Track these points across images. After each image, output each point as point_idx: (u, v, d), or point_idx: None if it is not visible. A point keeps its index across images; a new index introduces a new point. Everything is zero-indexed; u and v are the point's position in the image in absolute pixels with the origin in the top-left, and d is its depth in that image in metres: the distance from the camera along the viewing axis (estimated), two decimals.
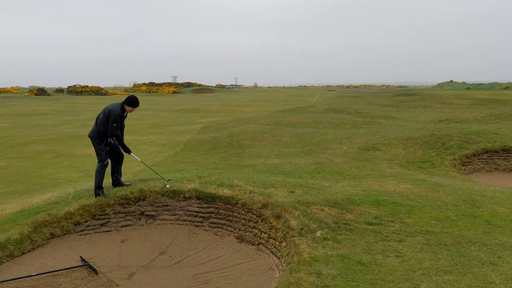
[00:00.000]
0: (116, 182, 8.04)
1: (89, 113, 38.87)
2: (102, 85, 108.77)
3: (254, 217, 6.80)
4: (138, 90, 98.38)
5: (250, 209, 6.91)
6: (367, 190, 8.41)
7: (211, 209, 7.35)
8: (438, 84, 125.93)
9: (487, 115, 24.80)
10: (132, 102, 7.67)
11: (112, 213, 7.42)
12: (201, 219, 7.33)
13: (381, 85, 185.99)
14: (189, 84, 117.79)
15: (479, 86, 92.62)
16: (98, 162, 7.65)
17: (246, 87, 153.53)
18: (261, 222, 6.64)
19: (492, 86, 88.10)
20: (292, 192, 7.71)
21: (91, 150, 16.94)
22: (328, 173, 11.23)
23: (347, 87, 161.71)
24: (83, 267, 6.06)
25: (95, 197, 7.51)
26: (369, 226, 6.13)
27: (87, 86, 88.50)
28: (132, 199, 7.59)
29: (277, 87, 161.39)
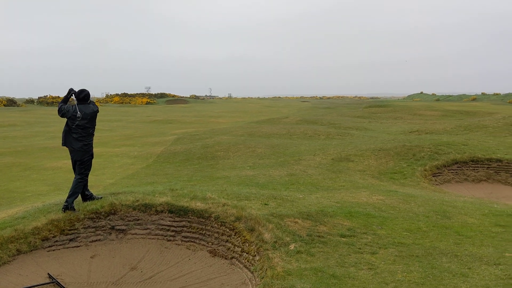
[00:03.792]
0: (88, 197, 7.82)
1: (60, 124, 38.02)
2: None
3: (227, 230, 6.72)
4: (111, 101, 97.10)
5: (223, 222, 6.83)
6: (340, 201, 8.44)
7: (184, 223, 7.24)
8: (409, 96, 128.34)
9: (456, 126, 25.38)
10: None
11: (82, 228, 7.21)
12: (173, 233, 7.20)
13: (354, 97, 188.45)
14: (162, 95, 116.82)
15: (448, 98, 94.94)
16: (82, 175, 7.48)
17: (221, 98, 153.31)
18: (234, 235, 6.57)
19: (460, 97, 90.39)
20: (266, 204, 7.67)
21: (61, 163, 16.58)
22: (302, 185, 11.24)
23: (320, 98, 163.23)
24: (51, 284, 5.86)
25: (64, 211, 7.29)
26: (343, 238, 6.13)
27: (58, 97, 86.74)
28: (103, 213, 7.41)
29: (252, 98, 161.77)
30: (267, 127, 28.30)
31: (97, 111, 7.70)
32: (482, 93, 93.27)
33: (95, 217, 7.37)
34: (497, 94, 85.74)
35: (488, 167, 13.90)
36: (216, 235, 6.84)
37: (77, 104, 7.50)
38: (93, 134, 7.68)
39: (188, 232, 7.14)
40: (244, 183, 11.36)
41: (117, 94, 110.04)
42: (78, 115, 7.32)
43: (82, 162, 7.48)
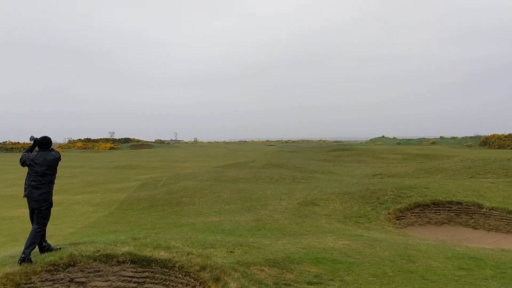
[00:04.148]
0: (46, 248, 7.47)
1: (19, 171, 36.78)
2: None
3: (192, 280, 6.52)
4: (73, 147, 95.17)
5: (188, 272, 6.63)
6: (307, 247, 8.39)
7: (147, 273, 6.98)
8: (371, 139, 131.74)
9: (417, 170, 26.06)
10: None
11: (39, 281, 6.83)
12: (135, 285, 6.92)
13: (318, 140, 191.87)
14: (127, 140, 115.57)
15: (408, 141, 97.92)
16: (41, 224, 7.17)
17: (186, 142, 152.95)
18: (199, 286, 6.38)
19: (420, 141, 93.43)
20: (231, 252, 7.53)
21: (19, 212, 15.89)
22: (268, 230, 11.14)
23: (285, 142, 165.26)
24: None
25: (20, 263, 6.92)
26: (310, 286, 6.05)
27: (18, 142, 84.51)
28: (61, 265, 7.06)
29: (218, 142, 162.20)
30: (233, 171, 28.23)
31: (59, 158, 7.52)
32: (440, 136, 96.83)
33: (53, 269, 7.02)
34: (454, 138, 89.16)
35: (449, 210, 14.22)
36: (180, 285, 6.62)
37: (38, 151, 7.36)
38: (53, 182, 7.46)
39: (151, 283, 6.88)
40: (210, 230, 11.16)
41: (80, 139, 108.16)
42: (37, 162, 7.16)
43: (40, 211, 7.20)
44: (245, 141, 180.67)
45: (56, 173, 7.46)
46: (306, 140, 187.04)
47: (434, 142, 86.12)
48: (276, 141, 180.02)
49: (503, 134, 71.63)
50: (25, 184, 7.27)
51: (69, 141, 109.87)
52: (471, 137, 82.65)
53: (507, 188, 16.99)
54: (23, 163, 7.31)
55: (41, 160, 7.20)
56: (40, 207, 7.17)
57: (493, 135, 73.13)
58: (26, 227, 12.73)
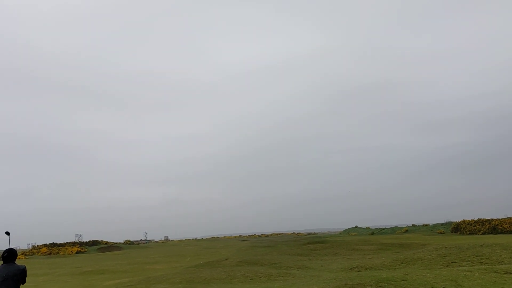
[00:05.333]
0: None
1: None
2: None
3: None
4: (38, 253, 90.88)
5: None
6: None
7: None
8: (345, 230, 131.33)
9: (394, 260, 25.80)
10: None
11: None
12: None
13: (291, 233, 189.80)
14: (94, 242, 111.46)
15: (382, 231, 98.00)
16: None
17: (157, 242, 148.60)
18: None
19: (393, 230, 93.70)
20: None
21: None
22: None
23: (259, 236, 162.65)
24: None
25: None
26: None
27: None
28: None
29: (189, 239, 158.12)
30: (206, 271, 27.24)
31: (23, 271, 7.28)
32: (412, 224, 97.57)
33: None
34: (426, 225, 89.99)
35: None
36: None
37: (2, 265, 7.18)
38: None
39: None
40: None
41: (45, 244, 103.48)
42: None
43: None
44: (217, 237, 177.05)
45: (22, 283, 7.22)
46: (280, 234, 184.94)
47: (407, 230, 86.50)
48: (249, 235, 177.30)
49: (473, 220, 72.89)
50: None
51: (33, 247, 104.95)
52: (442, 224, 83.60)
53: (483, 276, 16.88)
54: None
55: (1, 274, 6.96)
56: None
57: (464, 221, 74.29)
58: None
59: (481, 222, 70.42)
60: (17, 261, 7.46)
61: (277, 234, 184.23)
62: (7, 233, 7.54)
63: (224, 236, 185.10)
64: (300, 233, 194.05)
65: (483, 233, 64.78)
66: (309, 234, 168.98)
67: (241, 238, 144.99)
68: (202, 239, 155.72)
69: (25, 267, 7.48)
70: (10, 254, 7.31)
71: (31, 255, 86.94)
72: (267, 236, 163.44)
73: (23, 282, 7.39)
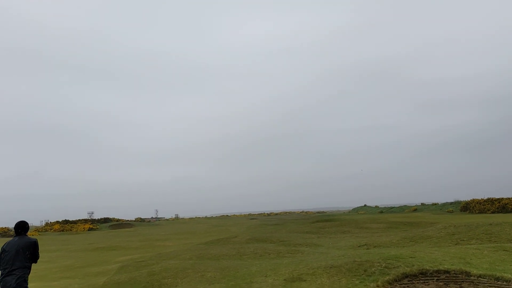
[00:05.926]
0: None
1: None
2: (11, 225, 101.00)
3: None
4: (51, 229, 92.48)
5: None
6: None
7: None
8: (354, 209, 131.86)
9: (402, 238, 25.93)
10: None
11: None
12: None
13: (300, 211, 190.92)
14: (106, 220, 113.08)
15: (391, 209, 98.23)
16: None
17: (167, 219, 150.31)
18: None
19: (402, 209, 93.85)
20: None
21: None
22: None
23: (268, 214, 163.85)
24: None
25: None
26: None
27: None
28: None
29: (199, 217, 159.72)
30: (216, 248, 27.61)
31: (34, 244, 7.36)
32: (421, 203, 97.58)
33: None
34: (435, 204, 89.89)
35: (438, 279, 13.99)
36: None
37: (13, 237, 7.30)
38: (28, 268, 7.22)
39: None
40: None
41: (57, 222, 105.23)
42: (7, 249, 7.02)
43: None
44: (227, 215, 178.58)
45: (31, 259, 7.26)
46: (289, 212, 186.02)
47: (416, 209, 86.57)
48: (259, 214, 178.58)
49: (483, 199, 72.66)
50: (1, 276, 7.02)
51: (46, 224, 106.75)
52: (451, 203, 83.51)
53: (492, 254, 16.95)
54: None
55: (12, 245, 7.08)
56: None
57: (473, 200, 74.09)
58: None
59: (491, 201, 70.21)
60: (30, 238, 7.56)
61: (286, 212, 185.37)
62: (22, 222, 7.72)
63: (234, 214, 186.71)
64: (309, 211, 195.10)
65: (493, 212, 64.67)
66: (318, 212, 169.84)
67: (251, 216, 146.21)
68: (212, 217, 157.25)
69: (37, 240, 7.55)
70: (22, 226, 7.39)
71: (44, 231, 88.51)
72: (276, 214, 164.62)
73: (36, 256, 7.42)
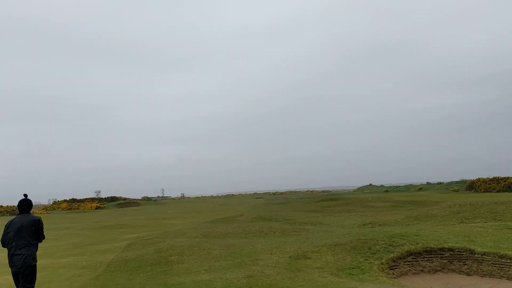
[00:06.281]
0: None
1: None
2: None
3: None
4: (58, 208, 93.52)
5: None
6: None
7: None
8: (359, 188, 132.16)
9: (407, 217, 26.04)
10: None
11: None
12: None
13: (306, 190, 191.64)
14: (113, 199, 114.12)
15: (396, 188, 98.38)
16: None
17: (173, 198, 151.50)
18: None
19: (408, 188, 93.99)
20: None
21: (2, 278, 15.33)
22: (260, 287, 10.89)
23: (273, 193, 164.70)
24: None
25: None
26: None
27: (1, 206, 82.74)
28: None
29: (205, 196, 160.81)
30: (222, 226, 27.88)
31: (37, 222, 7.34)
32: (427, 182, 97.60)
33: None
34: (440, 183, 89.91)
35: (442, 257, 14.12)
36: None
37: (17, 215, 7.32)
38: (34, 245, 7.26)
39: None
40: None
41: (65, 200, 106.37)
42: (12, 227, 7.07)
43: (23, 275, 6.97)
44: (233, 194, 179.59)
45: (36, 236, 7.23)
46: (294, 191, 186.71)
47: (421, 188, 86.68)
48: (264, 193, 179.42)
49: (488, 178, 72.56)
50: (8, 253, 7.11)
51: (54, 202, 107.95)
52: (457, 182, 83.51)
53: (497, 232, 17.02)
54: (3, 244, 7.19)
55: (15, 223, 7.09)
56: (22, 272, 6.93)
57: (479, 179, 74.02)
58: None
59: (497, 180, 70.11)
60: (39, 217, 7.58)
61: (292, 191, 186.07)
62: (25, 196, 7.63)
63: (239, 194, 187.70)
64: (314, 190, 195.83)
65: (498, 191, 64.63)
66: (323, 191, 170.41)
67: (256, 196, 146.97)
68: (217, 196, 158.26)
69: (40, 218, 7.51)
70: (25, 203, 7.36)
71: (51, 210, 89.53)
72: (282, 193, 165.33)
73: (40, 234, 7.32)
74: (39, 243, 7.46)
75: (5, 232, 7.17)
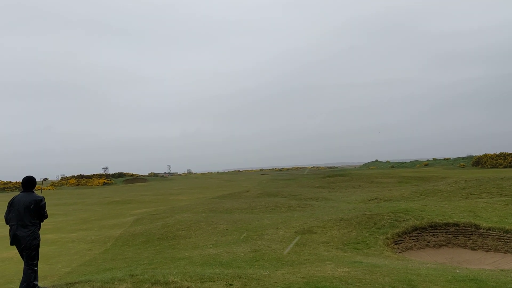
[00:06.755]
0: None
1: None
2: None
3: None
4: (66, 184, 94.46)
5: None
6: (306, 276, 8.31)
7: None
8: (365, 164, 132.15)
9: (413, 192, 26.09)
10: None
11: None
12: None
13: (312, 167, 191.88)
14: (120, 175, 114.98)
15: (402, 164, 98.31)
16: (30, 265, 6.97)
17: (180, 175, 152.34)
18: None
19: (414, 164, 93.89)
20: (230, 285, 7.43)
21: (12, 253, 15.62)
22: (266, 261, 11.03)
23: (279, 170, 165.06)
24: None
25: None
26: None
27: (10, 182, 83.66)
28: None
29: (211, 173, 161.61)
30: (228, 202, 28.10)
31: (40, 201, 7.16)
32: (433, 158, 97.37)
33: None
34: (447, 159, 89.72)
35: (447, 232, 14.19)
36: None
37: (21, 192, 7.24)
38: (36, 225, 7.17)
39: None
40: (207, 263, 11.04)
41: (73, 176, 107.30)
42: (14, 206, 7.04)
43: (27, 254, 7.02)
44: (239, 170, 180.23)
45: (37, 216, 7.10)
46: (300, 167, 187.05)
47: (427, 164, 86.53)
48: (270, 169, 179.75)
49: (495, 154, 72.26)
50: (9, 232, 7.12)
51: (62, 178, 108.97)
52: (463, 158, 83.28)
53: (502, 207, 17.04)
54: (6, 221, 7.20)
55: (18, 201, 7.02)
56: (26, 250, 6.93)
57: (485, 155, 73.74)
58: (20, 268, 12.48)
59: (503, 156, 69.83)
60: (46, 192, 7.58)
61: (298, 167, 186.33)
62: (45, 179, 7.46)
63: (245, 170, 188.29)
64: (320, 166, 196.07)
65: (505, 167, 64.43)
66: (329, 167, 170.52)
67: (262, 172, 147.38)
68: (224, 173, 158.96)
69: (43, 198, 7.29)
70: (28, 181, 7.21)
71: (60, 186, 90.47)
72: (288, 169, 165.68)
73: (41, 214, 7.21)
74: (41, 223, 7.36)
75: (8, 210, 7.13)
